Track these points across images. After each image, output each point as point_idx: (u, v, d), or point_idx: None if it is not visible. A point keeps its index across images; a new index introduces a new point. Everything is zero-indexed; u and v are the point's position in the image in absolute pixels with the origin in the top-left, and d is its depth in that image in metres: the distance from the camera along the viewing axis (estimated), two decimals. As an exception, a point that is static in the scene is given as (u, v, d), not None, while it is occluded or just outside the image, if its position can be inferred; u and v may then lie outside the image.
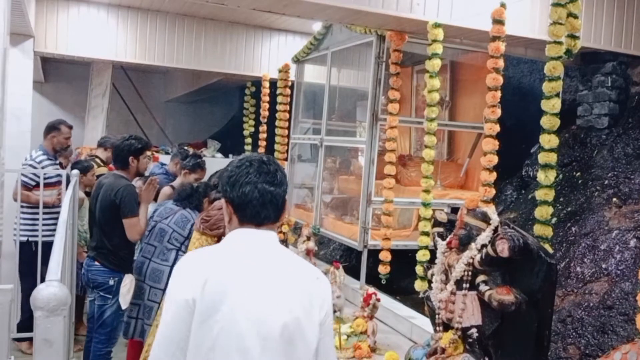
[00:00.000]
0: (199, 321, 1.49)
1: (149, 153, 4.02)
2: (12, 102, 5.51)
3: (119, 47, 7.59)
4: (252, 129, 9.28)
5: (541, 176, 4.50)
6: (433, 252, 3.43)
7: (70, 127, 5.22)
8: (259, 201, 1.61)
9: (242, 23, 8.20)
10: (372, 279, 5.56)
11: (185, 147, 8.27)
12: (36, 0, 6.95)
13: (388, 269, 5.44)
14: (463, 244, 3.05)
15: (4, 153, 3.52)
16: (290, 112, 7.83)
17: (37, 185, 4.62)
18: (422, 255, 5.08)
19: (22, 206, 4.65)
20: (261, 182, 1.61)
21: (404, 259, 5.58)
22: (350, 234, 5.94)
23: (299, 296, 1.56)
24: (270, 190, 1.62)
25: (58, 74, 11.61)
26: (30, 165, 4.80)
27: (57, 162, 5.10)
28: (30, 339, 4.46)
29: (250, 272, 1.56)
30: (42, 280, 2.26)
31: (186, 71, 8.60)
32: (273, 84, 8.33)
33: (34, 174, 4.68)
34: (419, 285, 5.05)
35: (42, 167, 4.77)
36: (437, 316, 3.15)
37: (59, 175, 4.76)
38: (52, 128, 5.09)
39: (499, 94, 4.70)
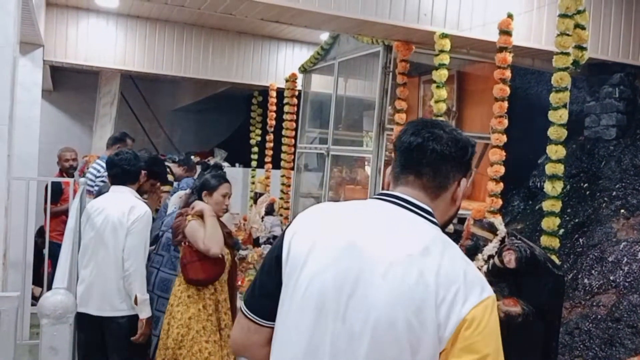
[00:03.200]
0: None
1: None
2: (21, 110, 5.54)
3: (127, 57, 7.64)
4: (259, 138, 9.30)
5: (548, 187, 4.48)
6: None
7: (133, 140, 5.30)
8: None
9: (249, 33, 8.25)
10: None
11: (192, 156, 8.30)
12: (46, 9, 7.02)
13: (394, 279, 5.42)
14: (470, 255, 3.04)
15: (12, 161, 3.54)
16: (297, 121, 7.85)
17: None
18: (429, 266, 5.05)
19: None
20: None
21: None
22: (357, 244, 5.92)
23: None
24: None
25: (67, 82, 11.66)
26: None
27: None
28: None
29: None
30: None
31: (194, 80, 8.63)
32: (280, 93, 8.35)
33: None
34: (425, 296, 5.02)
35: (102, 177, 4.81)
36: (443, 327, 3.13)
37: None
38: (117, 140, 5.16)
39: (506, 104, 4.70)
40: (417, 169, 1.36)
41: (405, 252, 1.24)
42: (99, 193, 3.87)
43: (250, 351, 1.42)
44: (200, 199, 3.51)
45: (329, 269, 1.28)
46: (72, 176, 5.32)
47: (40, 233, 5.61)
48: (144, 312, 3.38)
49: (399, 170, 1.39)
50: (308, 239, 1.33)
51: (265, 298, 1.37)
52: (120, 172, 3.49)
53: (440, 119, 5.06)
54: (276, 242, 1.40)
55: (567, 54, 4.43)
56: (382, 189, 1.40)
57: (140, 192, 3.73)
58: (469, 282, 1.22)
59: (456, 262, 1.25)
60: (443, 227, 1.38)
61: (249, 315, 1.38)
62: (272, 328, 1.36)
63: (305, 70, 7.62)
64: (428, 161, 1.36)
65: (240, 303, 1.50)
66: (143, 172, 3.66)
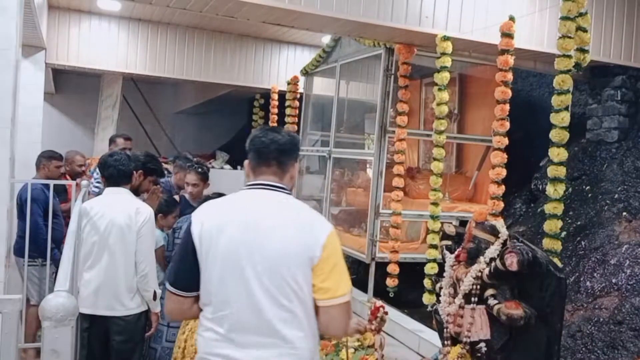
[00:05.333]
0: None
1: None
2: (24, 113, 5.54)
3: (129, 59, 7.66)
4: (261, 141, 9.29)
5: (550, 190, 4.48)
6: (441, 265, 3.41)
7: (128, 139, 5.29)
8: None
9: (251, 36, 8.26)
10: (380, 292, 5.53)
11: (194, 158, 8.29)
12: (48, 12, 7.04)
13: (396, 281, 5.42)
14: (471, 258, 3.03)
15: (14, 164, 3.54)
16: (298, 124, 7.86)
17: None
18: (430, 269, 5.05)
19: None
20: None
21: (412, 272, 5.56)
22: (358, 247, 5.93)
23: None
24: None
25: (69, 85, 11.70)
26: None
27: None
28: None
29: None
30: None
31: (196, 83, 8.66)
32: (282, 96, 8.37)
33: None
34: (427, 299, 5.02)
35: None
36: (445, 330, 3.13)
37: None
38: (111, 141, 5.16)
39: (507, 107, 4.70)
40: (267, 162, 1.98)
41: (280, 215, 1.91)
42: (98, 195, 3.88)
43: (184, 315, 2.08)
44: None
45: (235, 239, 1.86)
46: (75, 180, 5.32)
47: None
48: (159, 306, 3.46)
49: (255, 164, 2.00)
50: (214, 224, 1.90)
51: (186, 277, 1.93)
52: (115, 172, 3.48)
53: (442, 121, 5.06)
54: (185, 238, 1.93)
55: (569, 56, 4.44)
56: (247, 180, 2.08)
57: (139, 191, 3.73)
58: (318, 222, 1.92)
59: (309, 212, 1.96)
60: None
61: (178, 293, 1.93)
62: (194, 296, 1.93)
63: (307, 72, 7.63)
64: (274, 155, 1.98)
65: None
66: (139, 171, 3.66)
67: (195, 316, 1.97)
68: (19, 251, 4.52)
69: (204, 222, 1.91)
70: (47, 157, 5.26)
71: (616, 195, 5.30)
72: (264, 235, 1.86)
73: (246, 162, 2.04)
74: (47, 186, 4.54)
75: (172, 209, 4.08)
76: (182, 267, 1.95)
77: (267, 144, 1.98)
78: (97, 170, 4.94)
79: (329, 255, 1.86)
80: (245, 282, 1.85)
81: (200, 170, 4.37)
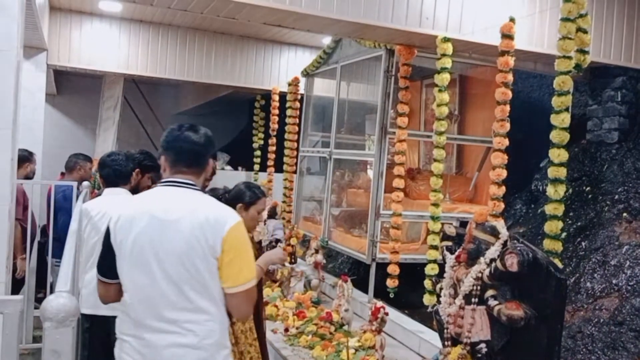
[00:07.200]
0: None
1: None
2: (25, 114, 5.57)
3: (130, 61, 7.67)
4: (262, 142, 9.32)
5: (551, 190, 4.48)
6: (442, 266, 3.42)
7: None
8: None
9: (252, 37, 8.27)
10: (381, 292, 5.53)
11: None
12: (50, 14, 7.05)
13: (396, 282, 5.42)
14: (472, 258, 3.04)
15: (16, 165, 3.55)
16: (299, 125, 7.86)
17: None
18: (431, 269, 5.05)
19: None
20: None
21: (412, 273, 5.56)
22: (359, 247, 5.93)
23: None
24: None
25: (70, 86, 11.72)
26: None
27: None
28: None
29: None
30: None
31: (197, 84, 8.66)
32: (282, 97, 8.37)
33: None
34: (427, 300, 5.02)
35: None
36: (445, 331, 3.13)
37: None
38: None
39: (508, 108, 4.70)
40: (183, 161, 2.14)
41: (185, 210, 2.05)
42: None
43: (110, 299, 2.21)
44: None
45: (143, 232, 2.04)
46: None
47: (43, 233, 5.62)
48: None
49: (171, 163, 2.16)
50: (127, 218, 2.08)
51: (106, 266, 2.14)
52: (112, 173, 3.49)
53: (443, 122, 5.07)
54: (106, 230, 2.14)
55: (569, 57, 4.44)
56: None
57: (139, 189, 3.73)
58: (221, 216, 2.07)
59: (213, 207, 2.11)
60: (203, 189, 2.25)
61: (102, 279, 2.17)
62: (118, 283, 2.13)
63: (307, 74, 7.64)
64: (190, 155, 2.15)
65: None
66: (136, 170, 3.66)
67: (119, 301, 2.18)
68: (55, 253, 4.59)
69: (120, 216, 2.11)
70: (84, 159, 5.36)
71: (616, 196, 5.30)
72: (169, 229, 2.03)
73: (162, 157, 2.19)
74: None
75: None
76: (103, 256, 2.17)
77: (183, 143, 2.14)
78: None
79: (230, 247, 2.02)
80: (152, 272, 2.02)
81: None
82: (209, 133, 2.23)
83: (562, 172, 4.46)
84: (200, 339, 2.03)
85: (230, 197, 3.25)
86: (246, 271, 2.08)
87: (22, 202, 4.76)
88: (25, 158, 5.26)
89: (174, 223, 2.03)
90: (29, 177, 5.30)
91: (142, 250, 2.04)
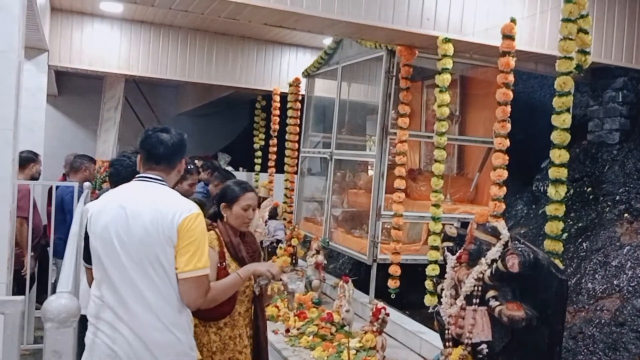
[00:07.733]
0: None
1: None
2: (26, 115, 5.57)
3: (131, 61, 7.68)
4: (263, 143, 9.32)
5: (552, 191, 4.47)
6: (443, 267, 3.42)
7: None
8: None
9: (253, 38, 8.28)
10: (382, 293, 5.54)
11: (196, 160, 8.30)
12: (51, 14, 7.06)
13: (397, 283, 5.42)
14: (473, 259, 3.04)
15: (17, 165, 3.55)
16: (300, 125, 7.86)
17: None
18: (432, 270, 5.05)
19: None
20: None
21: (413, 274, 5.56)
22: (360, 248, 5.93)
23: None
24: None
25: (71, 87, 11.72)
26: None
27: None
28: None
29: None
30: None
31: (197, 85, 8.67)
32: (283, 97, 8.38)
33: None
34: (428, 300, 5.02)
35: None
36: (446, 331, 3.13)
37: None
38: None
39: (508, 108, 4.69)
40: (156, 161, 2.36)
41: (147, 202, 2.26)
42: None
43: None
44: (220, 211, 3.01)
45: (110, 222, 2.26)
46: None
47: (44, 233, 5.63)
48: None
49: (145, 161, 2.38)
50: (99, 210, 2.31)
51: (88, 254, 2.38)
52: (114, 172, 3.51)
53: (443, 123, 5.07)
54: (86, 224, 2.36)
55: (570, 58, 4.43)
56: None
57: None
58: (179, 208, 2.27)
59: (174, 200, 2.31)
60: (174, 186, 2.46)
61: (86, 265, 2.49)
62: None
63: (308, 74, 7.64)
64: (162, 155, 2.36)
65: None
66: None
67: None
68: (60, 253, 4.57)
69: (94, 208, 2.35)
70: (89, 160, 5.40)
71: (617, 197, 5.30)
72: (132, 219, 2.23)
73: (138, 157, 2.42)
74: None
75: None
76: (84, 245, 2.45)
77: (157, 145, 2.35)
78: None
79: (183, 235, 2.22)
80: (118, 258, 2.23)
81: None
82: (182, 135, 2.43)
83: (563, 173, 4.45)
84: (163, 322, 2.22)
85: (216, 198, 3.15)
86: (196, 260, 2.24)
87: (28, 201, 4.76)
88: (30, 159, 5.27)
89: (137, 213, 2.24)
90: (34, 177, 5.32)
91: (110, 238, 2.24)
